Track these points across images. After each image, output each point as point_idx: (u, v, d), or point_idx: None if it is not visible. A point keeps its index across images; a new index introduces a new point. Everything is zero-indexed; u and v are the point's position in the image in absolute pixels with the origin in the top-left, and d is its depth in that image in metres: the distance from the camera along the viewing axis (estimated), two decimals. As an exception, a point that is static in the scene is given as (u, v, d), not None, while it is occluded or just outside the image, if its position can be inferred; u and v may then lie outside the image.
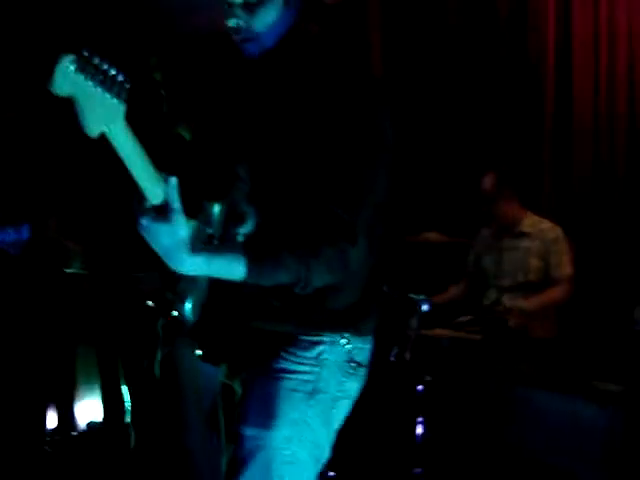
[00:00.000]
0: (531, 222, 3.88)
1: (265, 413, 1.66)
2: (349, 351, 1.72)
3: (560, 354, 3.50)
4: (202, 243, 1.54)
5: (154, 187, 1.45)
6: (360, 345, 1.74)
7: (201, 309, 1.68)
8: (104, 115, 1.35)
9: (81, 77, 1.31)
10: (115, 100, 1.34)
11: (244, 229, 1.67)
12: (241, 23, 1.68)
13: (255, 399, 1.70)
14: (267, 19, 1.67)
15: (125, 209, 1.54)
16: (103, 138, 1.37)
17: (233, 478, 1.67)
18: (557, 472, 2.99)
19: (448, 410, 3.50)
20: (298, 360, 1.69)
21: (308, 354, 1.69)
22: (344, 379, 1.72)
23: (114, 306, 4.16)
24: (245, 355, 1.75)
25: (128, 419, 3.77)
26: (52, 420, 4.20)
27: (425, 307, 3.38)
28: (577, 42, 4.12)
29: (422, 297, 3.33)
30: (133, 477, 3.44)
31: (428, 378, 3.40)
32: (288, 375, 1.68)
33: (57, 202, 4.21)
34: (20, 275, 3.92)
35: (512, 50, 4.47)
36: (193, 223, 1.50)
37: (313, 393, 1.68)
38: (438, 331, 3.62)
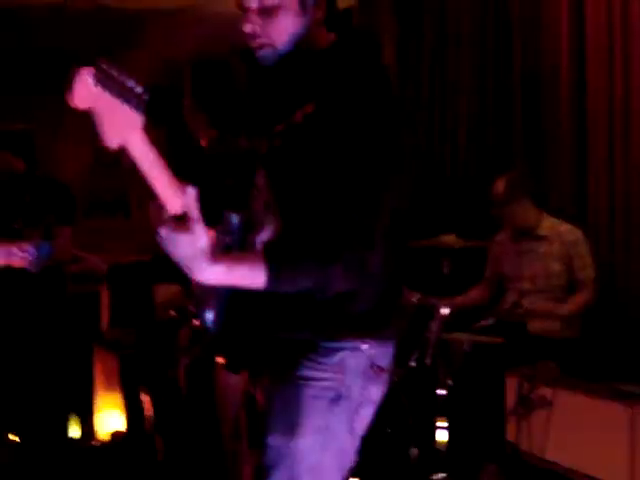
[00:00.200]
0: (549, 224, 3.85)
1: (289, 421, 1.66)
2: (371, 356, 1.71)
3: (583, 355, 3.48)
4: (222, 252, 1.54)
5: (173, 197, 1.46)
6: (382, 350, 1.74)
7: (222, 318, 1.69)
8: (123, 126, 1.36)
9: (100, 89, 1.32)
10: (134, 111, 1.35)
11: (263, 237, 1.68)
12: (257, 29, 1.68)
13: (278, 407, 1.69)
14: (282, 25, 1.68)
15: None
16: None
17: (259, 487, 1.67)
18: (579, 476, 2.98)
19: (470, 414, 3.49)
20: (320, 367, 1.68)
21: (330, 360, 1.68)
22: (367, 384, 1.71)
23: (133, 316, 4.18)
24: (267, 363, 1.75)
25: (151, 429, 3.78)
26: (74, 430, 4.22)
27: (445, 311, 3.37)
28: (590, 41, 4.09)
29: (442, 301, 3.32)
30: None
31: (450, 383, 3.39)
32: (310, 382, 1.67)
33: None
34: (40, 289, 3.94)
35: (525, 50, 4.46)
36: (213, 232, 1.50)
37: (336, 399, 1.67)
38: (458, 335, 3.61)
